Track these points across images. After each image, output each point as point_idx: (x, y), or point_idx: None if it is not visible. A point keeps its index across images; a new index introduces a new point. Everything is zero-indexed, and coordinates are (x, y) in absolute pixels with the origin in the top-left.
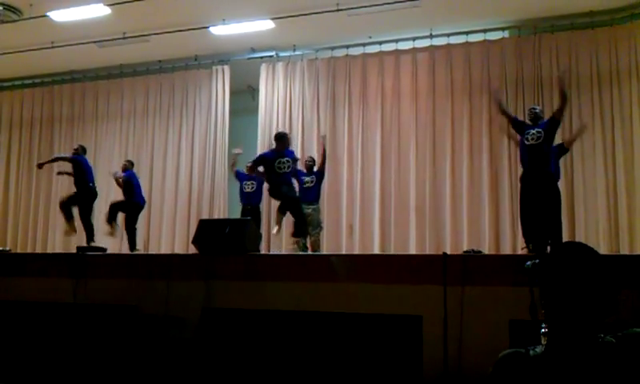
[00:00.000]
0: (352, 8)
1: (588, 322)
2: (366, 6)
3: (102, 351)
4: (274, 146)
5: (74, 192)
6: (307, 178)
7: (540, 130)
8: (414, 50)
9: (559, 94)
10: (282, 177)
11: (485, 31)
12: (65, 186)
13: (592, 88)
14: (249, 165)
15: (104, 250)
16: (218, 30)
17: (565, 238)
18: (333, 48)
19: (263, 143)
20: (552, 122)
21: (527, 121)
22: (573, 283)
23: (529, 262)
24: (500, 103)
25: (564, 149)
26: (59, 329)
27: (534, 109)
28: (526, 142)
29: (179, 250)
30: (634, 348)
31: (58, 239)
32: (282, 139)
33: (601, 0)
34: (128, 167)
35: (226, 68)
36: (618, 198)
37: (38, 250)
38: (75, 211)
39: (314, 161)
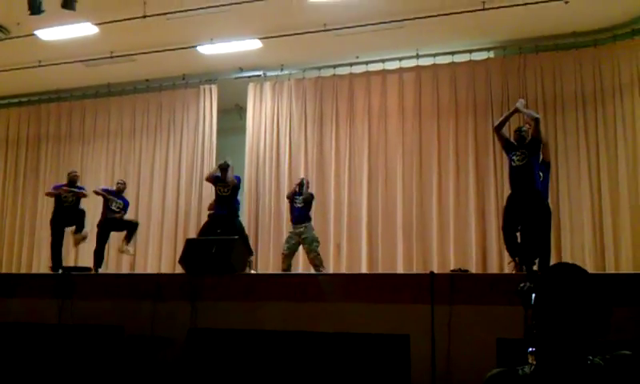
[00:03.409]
0: (339, 28)
1: (579, 344)
2: (352, 27)
3: (88, 373)
4: (260, 166)
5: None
6: (299, 198)
7: (524, 150)
8: (401, 69)
9: (529, 117)
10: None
11: (470, 51)
12: (50, 207)
13: (576, 107)
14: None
15: (89, 269)
16: (206, 50)
17: (551, 256)
18: (320, 68)
19: (251, 162)
20: (532, 141)
21: (513, 141)
22: (565, 305)
23: (522, 284)
24: (508, 118)
25: (547, 163)
26: (44, 350)
27: (521, 129)
28: (512, 163)
29: (166, 269)
30: (622, 371)
31: (44, 260)
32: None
33: (584, 21)
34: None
35: (214, 87)
36: (603, 216)
37: (23, 271)
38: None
39: (307, 182)
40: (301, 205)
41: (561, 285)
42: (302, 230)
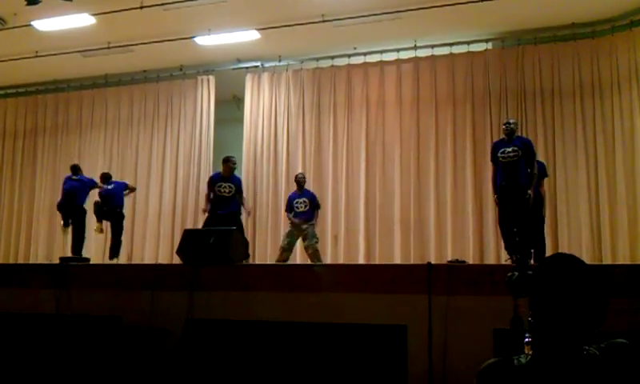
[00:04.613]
0: (337, 19)
1: (575, 334)
2: (350, 18)
3: (85, 363)
4: (258, 157)
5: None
6: (300, 200)
7: (516, 148)
8: (399, 61)
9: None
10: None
11: (468, 43)
12: (47, 198)
13: (574, 99)
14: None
15: (87, 260)
16: (204, 41)
17: (548, 249)
18: (318, 59)
19: (248, 153)
20: (532, 154)
21: (502, 135)
22: (562, 295)
23: (510, 273)
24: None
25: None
26: (41, 340)
27: (509, 123)
28: (501, 159)
29: (163, 260)
30: (617, 359)
31: (41, 250)
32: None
33: (582, 12)
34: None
35: (212, 78)
36: (600, 208)
37: (21, 261)
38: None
39: (304, 177)
40: (305, 209)
41: (558, 275)
42: (304, 226)
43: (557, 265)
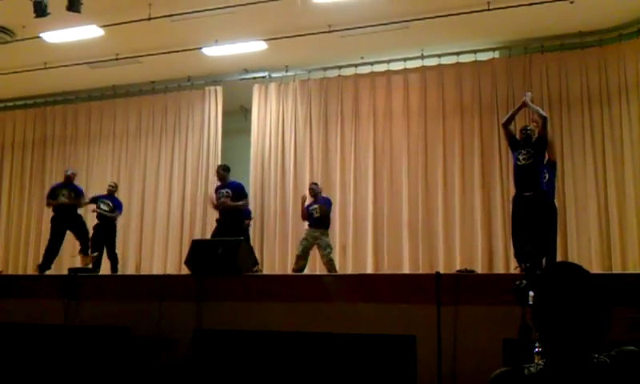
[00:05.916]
0: (344, 29)
1: (580, 342)
2: (357, 28)
3: (94, 374)
4: (265, 167)
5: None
6: (314, 207)
7: (530, 149)
8: (406, 70)
9: (536, 114)
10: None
11: (475, 52)
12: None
13: (582, 108)
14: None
15: (96, 271)
16: (211, 51)
17: (557, 257)
18: (325, 69)
19: (256, 163)
20: (539, 140)
21: (519, 140)
22: (564, 304)
23: (518, 282)
24: (515, 113)
25: (553, 163)
26: (50, 351)
27: (527, 128)
28: (517, 162)
29: (171, 270)
30: (628, 367)
31: None
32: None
33: (590, 21)
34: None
35: (219, 89)
36: (609, 216)
37: (30, 272)
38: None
39: (317, 186)
40: (318, 215)
41: (559, 284)
42: (317, 234)
43: (557, 274)
